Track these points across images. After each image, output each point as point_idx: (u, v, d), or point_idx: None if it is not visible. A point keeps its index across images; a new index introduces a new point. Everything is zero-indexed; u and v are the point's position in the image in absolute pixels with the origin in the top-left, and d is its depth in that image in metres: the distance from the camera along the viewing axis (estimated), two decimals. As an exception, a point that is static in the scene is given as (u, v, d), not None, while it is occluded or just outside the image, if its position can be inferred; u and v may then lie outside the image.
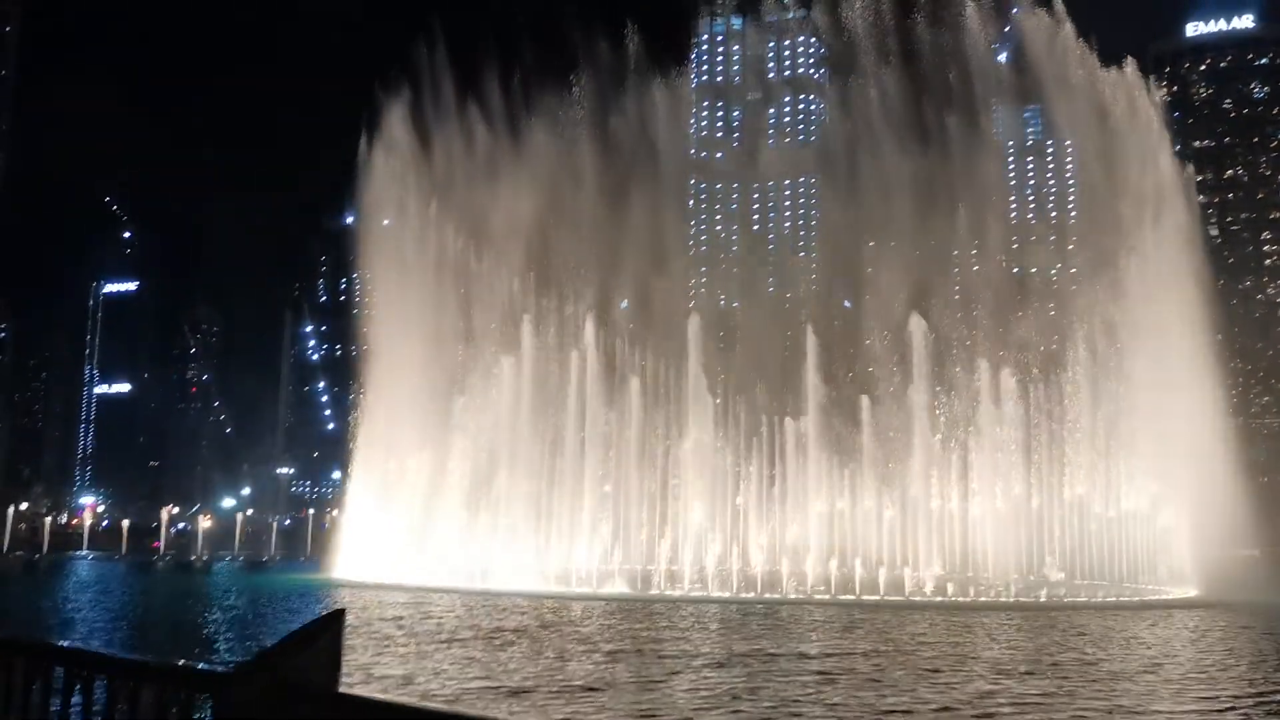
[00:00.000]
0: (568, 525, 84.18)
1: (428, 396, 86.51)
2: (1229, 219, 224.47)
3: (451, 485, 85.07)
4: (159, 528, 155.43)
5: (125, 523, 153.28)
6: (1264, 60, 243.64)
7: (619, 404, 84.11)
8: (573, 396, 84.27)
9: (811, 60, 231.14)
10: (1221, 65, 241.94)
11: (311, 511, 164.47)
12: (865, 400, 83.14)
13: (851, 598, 70.74)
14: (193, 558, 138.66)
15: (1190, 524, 76.76)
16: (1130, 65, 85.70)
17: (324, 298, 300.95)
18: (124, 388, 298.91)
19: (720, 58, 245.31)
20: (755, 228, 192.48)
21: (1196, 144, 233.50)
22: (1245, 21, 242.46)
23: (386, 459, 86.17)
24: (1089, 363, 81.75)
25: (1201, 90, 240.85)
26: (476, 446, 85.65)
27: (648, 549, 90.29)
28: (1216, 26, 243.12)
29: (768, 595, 73.36)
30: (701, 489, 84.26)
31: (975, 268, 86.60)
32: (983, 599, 70.73)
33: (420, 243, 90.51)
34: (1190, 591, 75.70)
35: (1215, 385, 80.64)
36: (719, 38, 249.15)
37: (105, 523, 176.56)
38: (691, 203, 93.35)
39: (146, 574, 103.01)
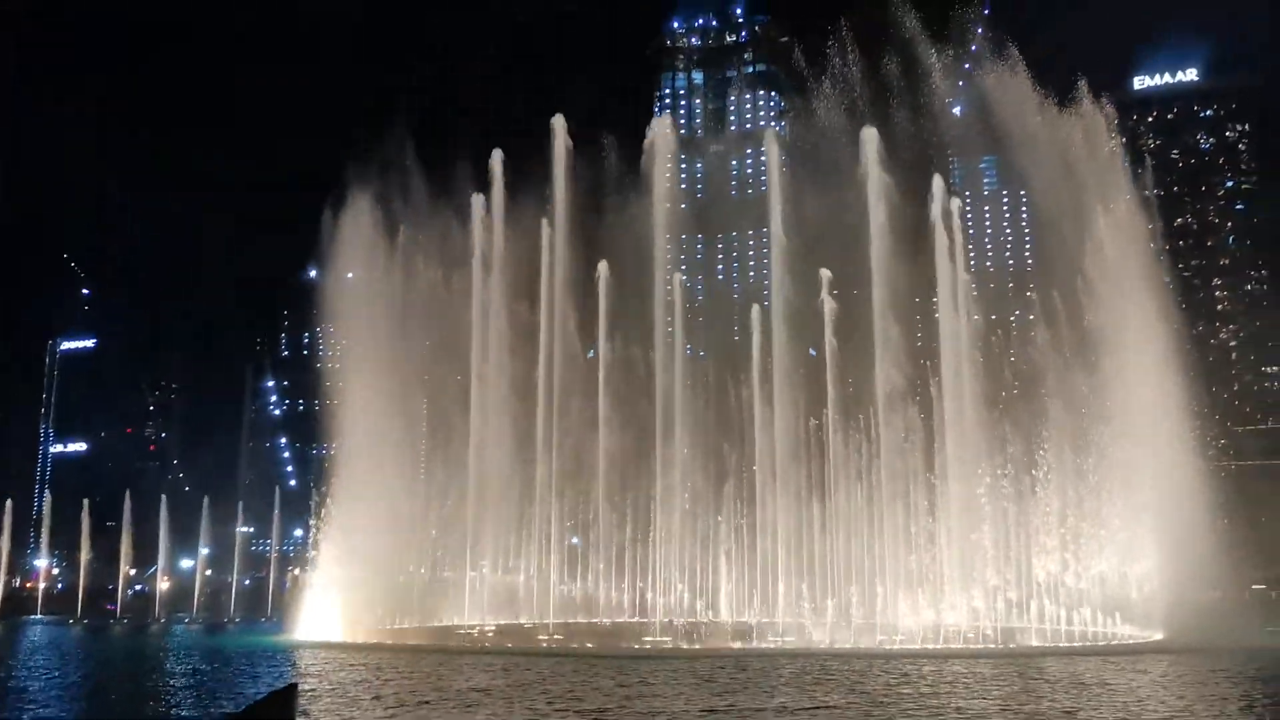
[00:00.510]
0: (538, 578, 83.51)
1: (398, 451, 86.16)
2: (1180, 266, 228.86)
3: (421, 540, 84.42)
4: (115, 590, 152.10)
5: (81, 585, 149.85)
6: (1209, 112, 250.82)
7: (589, 452, 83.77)
8: (540, 448, 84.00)
9: (771, 113, 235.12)
10: (1169, 117, 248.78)
11: (273, 570, 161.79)
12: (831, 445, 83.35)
13: (824, 647, 70.48)
14: (150, 620, 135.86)
15: (1157, 568, 77.36)
16: (1086, 99, 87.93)
17: (286, 352, 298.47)
18: (80, 447, 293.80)
19: (682, 111, 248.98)
20: (720, 278, 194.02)
21: (1146, 193, 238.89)
22: (1190, 75, 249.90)
23: (356, 514, 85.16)
24: (1061, 420, 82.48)
25: (1150, 141, 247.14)
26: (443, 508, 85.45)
27: (616, 601, 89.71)
28: (1162, 80, 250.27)
29: (737, 646, 72.86)
30: (671, 539, 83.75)
31: (937, 315, 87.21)
32: (952, 645, 70.62)
33: (388, 301, 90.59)
34: (1155, 635, 76.06)
35: (1181, 429, 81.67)
36: (681, 91, 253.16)
37: (60, 585, 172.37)
38: (657, 254, 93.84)
39: (102, 638, 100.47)
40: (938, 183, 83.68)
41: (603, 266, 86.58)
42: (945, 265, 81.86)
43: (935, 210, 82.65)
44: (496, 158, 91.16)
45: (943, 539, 78.64)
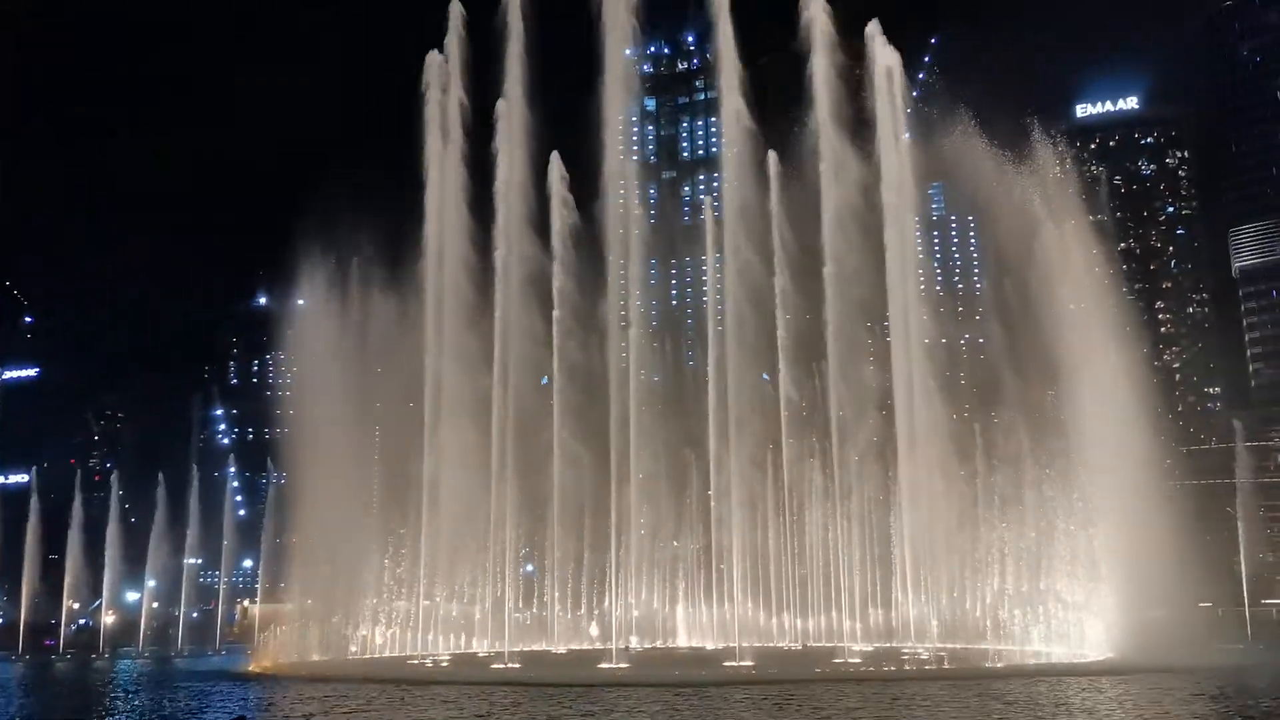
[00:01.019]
0: (491, 608, 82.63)
1: (356, 479, 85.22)
2: (1124, 289, 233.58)
3: (374, 569, 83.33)
4: (58, 624, 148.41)
5: (23, 620, 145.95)
6: (1149, 139, 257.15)
7: (544, 480, 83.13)
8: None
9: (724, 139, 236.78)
10: (1110, 144, 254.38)
11: (221, 602, 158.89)
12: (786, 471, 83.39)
13: (778, 671, 70.25)
14: (94, 655, 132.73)
15: (1105, 587, 78.37)
16: (1031, 130, 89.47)
17: (234, 380, 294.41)
18: (22, 478, 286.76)
19: (635, 137, 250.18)
20: (674, 303, 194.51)
21: (1090, 218, 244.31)
22: (1130, 103, 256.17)
23: (308, 545, 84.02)
24: (1016, 441, 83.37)
25: (1092, 168, 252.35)
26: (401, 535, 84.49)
27: (574, 629, 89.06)
28: (1104, 108, 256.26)
29: (696, 674, 72.41)
30: (628, 565, 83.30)
31: (888, 339, 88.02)
32: (907, 667, 70.72)
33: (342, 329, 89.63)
34: (1105, 655, 76.83)
35: (1131, 451, 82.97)
36: (633, 118, 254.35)
37: (0, 620, 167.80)
38: (610, 279, 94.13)
39: (46, 673, 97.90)
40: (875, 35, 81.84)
41: (554, 157, 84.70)
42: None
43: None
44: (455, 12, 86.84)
45: (898, 560, 78.98)
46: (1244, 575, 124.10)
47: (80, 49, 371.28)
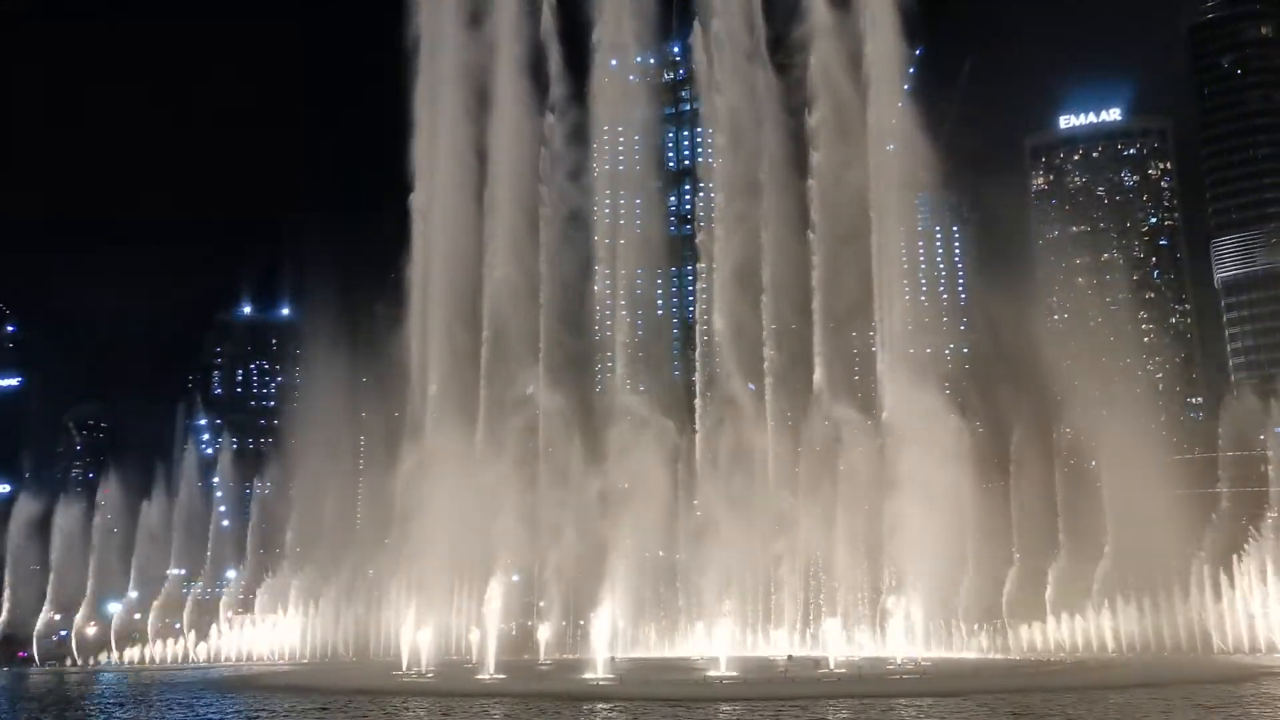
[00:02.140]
0: (474, 618, 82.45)
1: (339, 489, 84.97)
2: (1107, 300, 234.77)
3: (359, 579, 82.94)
4: (44, 635, 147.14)
5: (1, 631, 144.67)
6: (1132, 150, 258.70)
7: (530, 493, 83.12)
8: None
9: (709, 149, 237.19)
10: (1094, 155, 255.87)
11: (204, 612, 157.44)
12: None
13: (765, 682, 70.06)
14: (74, 665, 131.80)
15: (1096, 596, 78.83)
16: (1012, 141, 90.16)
17: (219, 390, 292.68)
18: (4, 488, 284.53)
19: (621, 146, 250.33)
20: (659, 313, 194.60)
21: (1074, 229, 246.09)
22: (1114, 114, 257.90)
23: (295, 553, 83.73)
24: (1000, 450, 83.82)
25: (1076, 179, 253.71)
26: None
27: (558, 641, 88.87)
28: (1087, 119, 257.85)
29: (677, 680, 72.23)
30: (613, 577, 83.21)
31: (874, 349, 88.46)
32: (892, 677, 70.64)
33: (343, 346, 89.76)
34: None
35: (1118, 462, 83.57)
36: (619, 128, 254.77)
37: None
38: (597, 288, 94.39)
39: (23, 684, 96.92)
40: None
41: None
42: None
43: None
44: None
45: (885, 567, 79.15)
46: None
47: (71, 52, 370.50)
